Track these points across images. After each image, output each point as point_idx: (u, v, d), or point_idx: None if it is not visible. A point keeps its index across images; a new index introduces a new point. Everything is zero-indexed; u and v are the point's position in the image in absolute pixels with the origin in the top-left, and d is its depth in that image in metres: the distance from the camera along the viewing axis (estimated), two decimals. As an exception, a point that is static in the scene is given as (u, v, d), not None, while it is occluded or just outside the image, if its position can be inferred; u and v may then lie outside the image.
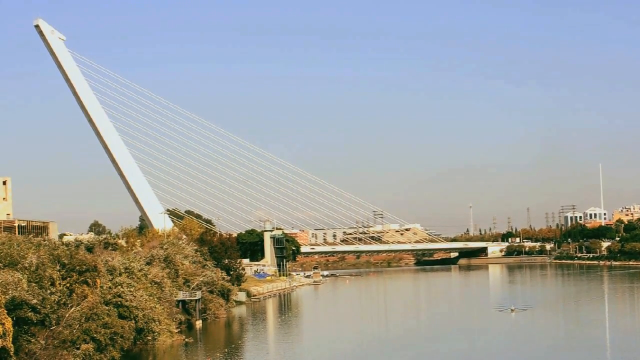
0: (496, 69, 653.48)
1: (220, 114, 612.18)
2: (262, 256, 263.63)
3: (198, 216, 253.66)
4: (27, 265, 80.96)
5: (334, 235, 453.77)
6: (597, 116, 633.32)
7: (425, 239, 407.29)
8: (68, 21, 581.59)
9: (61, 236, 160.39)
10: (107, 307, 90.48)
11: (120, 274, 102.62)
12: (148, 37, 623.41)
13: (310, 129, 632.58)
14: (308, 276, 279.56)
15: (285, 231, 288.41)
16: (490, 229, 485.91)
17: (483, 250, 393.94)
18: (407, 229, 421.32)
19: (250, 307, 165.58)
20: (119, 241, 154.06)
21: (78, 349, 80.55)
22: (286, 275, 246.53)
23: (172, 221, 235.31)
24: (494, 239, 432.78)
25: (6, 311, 67.72)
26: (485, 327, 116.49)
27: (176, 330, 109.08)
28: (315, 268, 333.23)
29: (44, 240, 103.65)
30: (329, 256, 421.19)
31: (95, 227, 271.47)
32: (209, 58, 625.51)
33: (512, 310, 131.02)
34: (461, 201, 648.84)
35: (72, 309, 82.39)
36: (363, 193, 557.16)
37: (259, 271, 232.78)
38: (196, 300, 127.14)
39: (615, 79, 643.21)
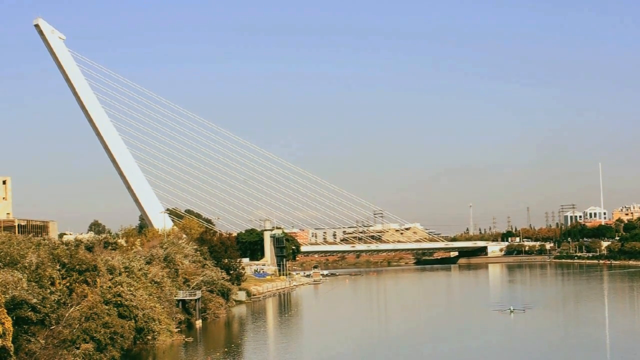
0: (496, 69, 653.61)
1: (221, 114, 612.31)
2: (262, 255, 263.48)
3: (198, 215, 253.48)
4: (27, 264, 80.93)
5: (334, 235, 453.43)
6: (597, 116, 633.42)
7: (425, 238, 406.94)
8: (68, 21, 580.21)
9: (61, 235, 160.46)
10: (107, 307, 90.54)
11: (120, 274, 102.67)
12: (148, 37, 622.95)
13: (310, 129, 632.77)
14: (308, 275, 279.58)
15: (285, 230, 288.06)
16: (490, 229, 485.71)
17: (483, 250, 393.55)
18: (407, 229, 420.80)
19: (250, 306, 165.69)
20: (119, 240, 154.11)
21: (78, 348, 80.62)
22: (286, 275, 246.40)
23: (172, 220, 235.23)
24: (494, 238, 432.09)
25: (6, 311, 67.76)
26: (485, 328, 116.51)
27: (176, 330, 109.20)
28: (315, 267, 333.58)
29: (44, 240, 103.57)
30: (329, 255, 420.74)
31: (95, 227, 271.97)
32: (209, 58, 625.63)
33: (511, 310, 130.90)
34: (461, 201, 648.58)
35: (72, 308, 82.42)
36: (363, 192, 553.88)
37: (258, 270, 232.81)
38: (196, 299, 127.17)
39: (615, 78, 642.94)
